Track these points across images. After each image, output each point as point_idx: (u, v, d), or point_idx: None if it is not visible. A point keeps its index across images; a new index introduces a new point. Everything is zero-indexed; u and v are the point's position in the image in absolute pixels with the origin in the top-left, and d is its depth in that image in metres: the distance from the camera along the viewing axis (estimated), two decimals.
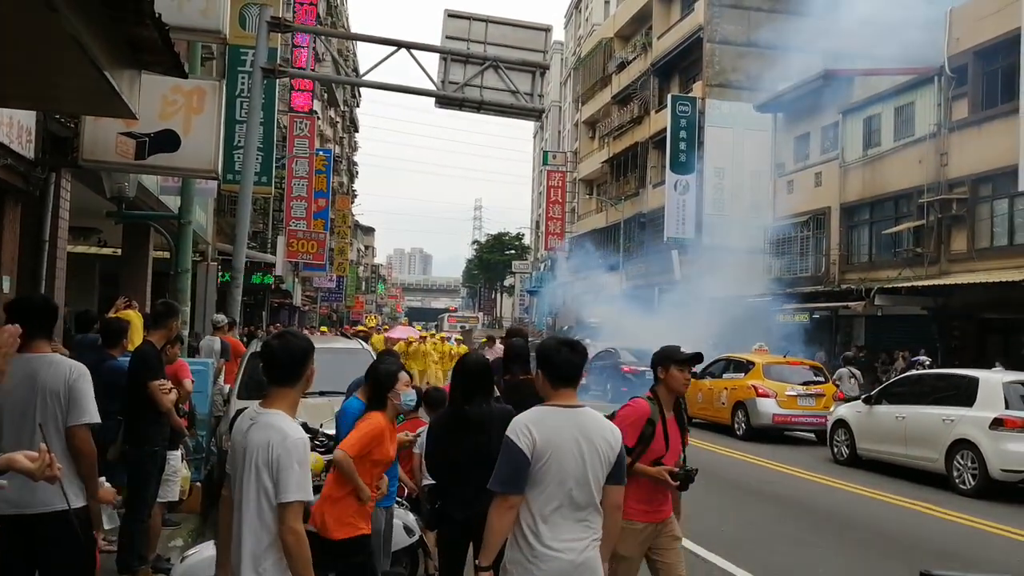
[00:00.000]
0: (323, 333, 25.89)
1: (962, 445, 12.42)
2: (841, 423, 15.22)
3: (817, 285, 28.32)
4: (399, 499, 6.56)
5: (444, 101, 15.27)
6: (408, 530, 6.36)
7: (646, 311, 37.09)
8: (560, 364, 3.84)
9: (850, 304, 25.03)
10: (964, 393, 12.92)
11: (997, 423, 11.98)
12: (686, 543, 8.68)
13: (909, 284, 23.28)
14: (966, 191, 23.28)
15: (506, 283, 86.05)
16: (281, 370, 3.61)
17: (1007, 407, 12.14)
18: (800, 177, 31.24)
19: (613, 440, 3.79)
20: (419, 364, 22.64)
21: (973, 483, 12.19)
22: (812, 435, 17.60)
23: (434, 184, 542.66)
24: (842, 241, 28.42)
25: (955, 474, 12.51)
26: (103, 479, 4.61)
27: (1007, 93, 21.42)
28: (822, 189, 29.51)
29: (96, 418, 4.43)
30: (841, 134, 28.77)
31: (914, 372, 17.06)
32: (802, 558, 8.65)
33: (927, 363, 20.81)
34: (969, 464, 12.31)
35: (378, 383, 5.26)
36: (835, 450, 15.33)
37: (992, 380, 12.90)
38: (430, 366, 23.17)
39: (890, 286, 23.81)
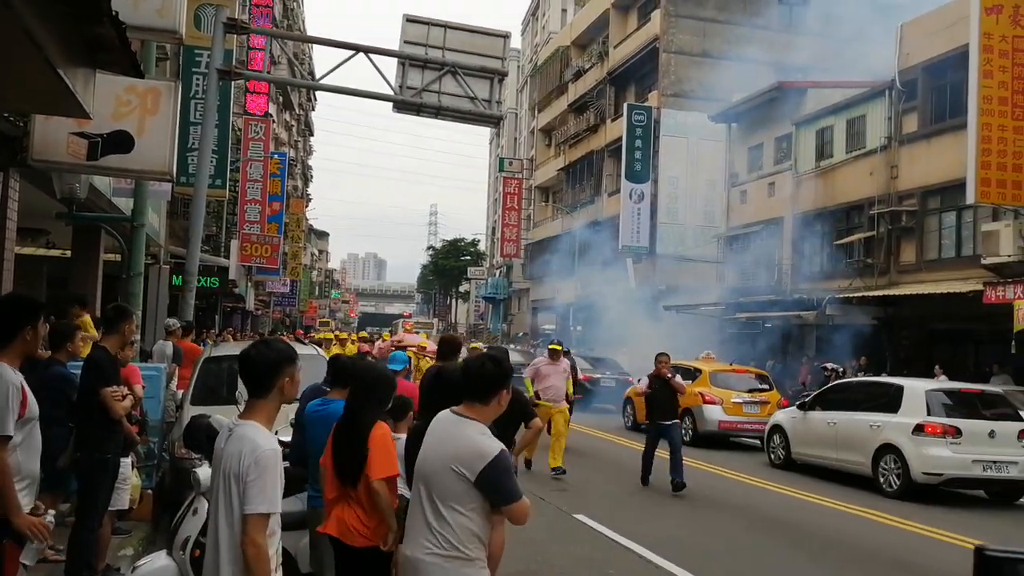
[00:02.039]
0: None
1: (888, 450, 13.07)
2: (777, 428, 15.76)
3: (768, 294, 28.63)
4: None
5: (402, 106, 15.24)
6: None
7: (601, 319, 37.30)
8: (465, 379, 4.00)
9: (801, 313, 25.34)
10: (891, 400, 13.57)
11: (919, 429, 12.65)
12: (643, 552, 8.74)
13: (860, 294, 23.65)
14: (915, 203, 23.71)
15: (461, 289, 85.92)
16: (253, 380, 3.54)
17: (929, 414, 12.84)
18: (753, 187, 31.59)
19: (469, 457, 3.71)
20: None
21: (897, 485, 12.82)
22: (758, 441, 17.85)
23: (389, 189, 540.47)
24: (794, 251, 28.78)
25: (881, 477, 13.13)
26: (51, 515, 4.44)
27: (955, 108, 21.85)
28: (775, 199, 29.86)
29: (6, 431, 4.23)
30: (794, 145, 29.14)
31: (843, 380, 17.60)
32: (762, 568, 8.73)
33: (840, 371, 21.44)
34: (894, 468, 12.95)
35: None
36: (771, 454, 15.86)
37: (916, 388, 13.57)
38: None
39: (841, 296, 24.17)
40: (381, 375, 5.24)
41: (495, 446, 3.71)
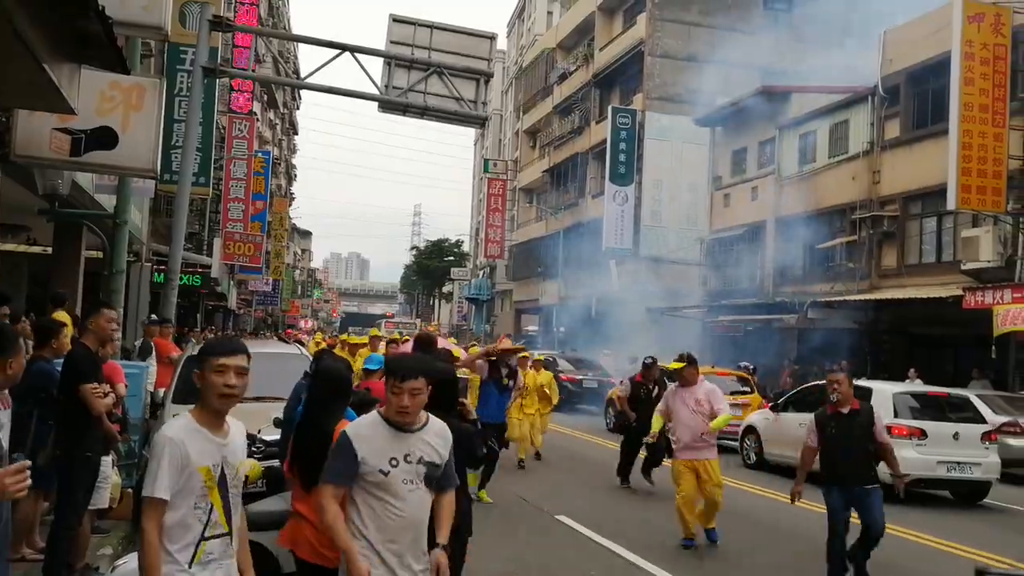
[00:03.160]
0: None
1: None
2: (751, 429, 15.98)
3: (751, 297, 28.76)
4: None
5: (387, 106, 15.21)
6: None
7: (584, 321, 37.36)
8: None
9: (783, 317, 25.46)
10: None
11: (887, 431, 12.66)
12: (624, 552, 8.76)
13: (841, 298, 23.79)
14: (897, 209, 23.87)
15: (445, 290, 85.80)
16: None
17: (896, 416, 13.00)
18: (737, 191, 31.72)
19: None
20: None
21: None
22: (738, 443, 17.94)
23: (373, 189, 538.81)
24: (777, 254, 28.90)
25: None
26: None
27: (937, 114, 22.01)
28: (758, 203, 29.99)
29: None
30: (777, 149, 29.29)
31: (816, 383, 17.71)
32: (740, 568, 8.77)
33: (751, 369, 21.92)
34: None
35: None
36: (744, 454, 16.12)
37: (884, 390, 13.74)
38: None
39: (823, 300, 24.30)
40: (337, 372, 5.14)
41: (343, 428, 4.01)
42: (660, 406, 10.18)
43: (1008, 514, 12.89)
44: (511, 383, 11.44)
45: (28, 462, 3.32)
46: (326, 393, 4.90)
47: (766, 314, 26.49)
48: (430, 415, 4.09)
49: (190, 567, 3.39)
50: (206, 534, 3.43)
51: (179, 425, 3.44)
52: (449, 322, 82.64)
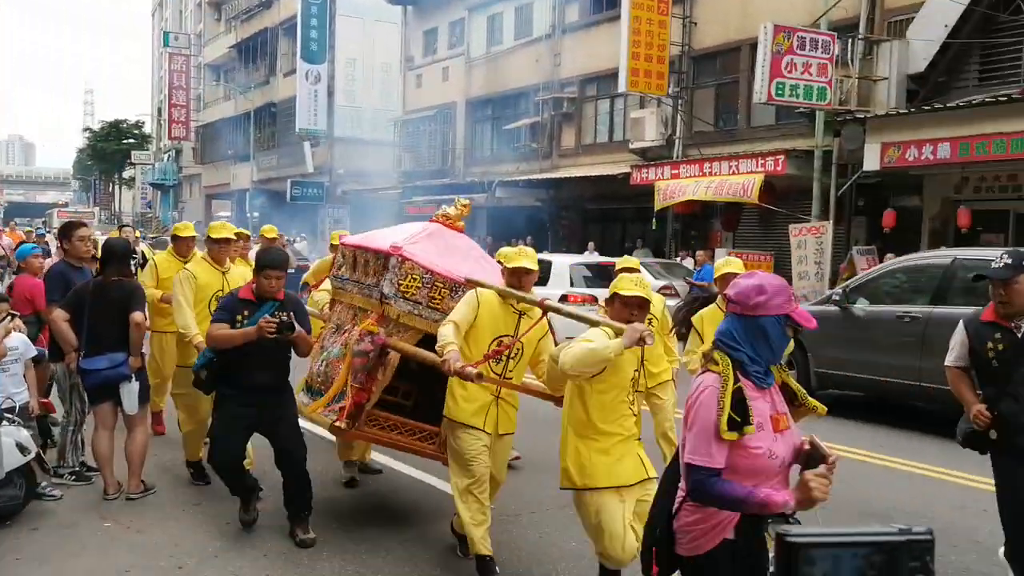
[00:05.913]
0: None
1: None
2: None
3: (443, 178, 29.47)
4: (8, 415, 6.15)
5: None
6: (21, 448, 6.02)
7: (279, 205, 36.60)
8: None
9: (474, 196, 26.36)
10: (541, 275, 14.67)
11: (563, 299, 13.91)
12: None
13: (525, 177, 25.00)
14: (575, 91, 25.22)
15: (125, 175, 79.96)
16: None
17: (572, 285, 14.43)
18: (428, 71, 32.00)
19: None
20: None
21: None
22: None
23: (34, 64, 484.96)
24: (467, 135, 29.69)
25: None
26: None
27: (612, 0, 23.28)
28: (449, 84, 30.48)
29: None
30: (467, 30, 29.74)
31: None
32: None
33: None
34: None
35: None
36: None
37: (561, 262, 15.13)
38: None
39: (509, 179, 25.42)
40: None
41: None
42: None
43: None
44: None
45: None
46: None
47: (457, 194, 27.25)
48: None
49: None
50: None
51: None
52: (132, 210, 77.58)
